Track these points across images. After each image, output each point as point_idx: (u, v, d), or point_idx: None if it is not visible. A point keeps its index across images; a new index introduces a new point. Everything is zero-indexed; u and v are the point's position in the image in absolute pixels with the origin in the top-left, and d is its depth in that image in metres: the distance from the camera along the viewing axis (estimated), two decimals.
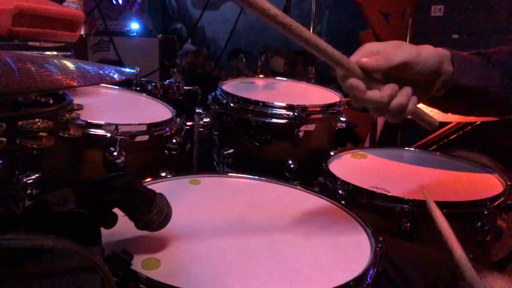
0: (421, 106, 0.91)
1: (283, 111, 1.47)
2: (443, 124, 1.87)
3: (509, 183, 1.27)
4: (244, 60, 5.57)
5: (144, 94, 1.61)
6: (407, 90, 0.83)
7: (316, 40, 0.75)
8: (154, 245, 0.83)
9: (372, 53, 0.82)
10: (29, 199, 1.07)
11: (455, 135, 1.99)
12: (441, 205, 1.14)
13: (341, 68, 0.79)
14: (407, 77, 0.84)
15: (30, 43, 1.37)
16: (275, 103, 1.49)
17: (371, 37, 3.82)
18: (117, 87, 1.62)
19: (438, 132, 2.11)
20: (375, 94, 0.80)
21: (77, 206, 0.67)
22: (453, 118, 1.36)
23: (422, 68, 0.83)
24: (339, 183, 1.25)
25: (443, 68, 0.86)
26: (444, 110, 0.99)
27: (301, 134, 1.47)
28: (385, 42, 0.85)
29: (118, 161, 1.20)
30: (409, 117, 0.89)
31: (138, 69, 1.65)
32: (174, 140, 1.34)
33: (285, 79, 1.96)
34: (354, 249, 0.88)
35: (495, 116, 1.16)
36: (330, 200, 1.08)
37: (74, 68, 0.74)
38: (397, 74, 0.82)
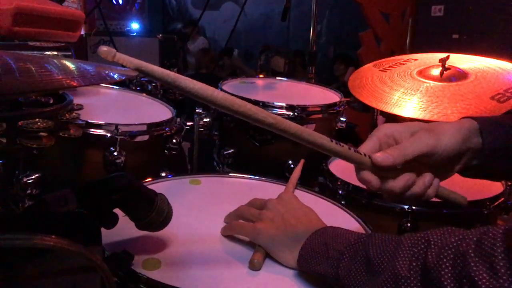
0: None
1: (283, 111, 1.47)
2: None
3: (509, 183, 1.27)
4: (236, 55, 5.51)
5: (144, 94, 1.61)
6: (425, 179, 0.77)
7: (326, 143, 0.71)
8: (154, 246, 0.83)
9: (387, 136, 0.78)
10: (29, 199, 1.07)
11: None
12: (442, 205, 1.14)
13: (353, 163, 0.75)
14: (427, 162, 0.77)
15: (30, 43, 1.37)
16: (275, 103, 1.49)
17: (371, 37, 3.82)
18: (117, 87, 1.62)
19: None
20: (389, 185, 0.75)
21: (78, 206, 0.67)
22: (453, 118, 1.35)
23: (442, 155, 0.76)
24: (339, 183, 1.25)
25: (469, 144, 0.78)
26: (489, 177, 0.91)
27: None
28: (403, 125, 0.78)
29: (118, 161, 1.20)
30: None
31: None
32: (174, 140, 1.35)
33: (285, 79, 1.96)
34: None
35: None
36: (330, 200, 1.08)
37: (74, 68, 0.74)
38: (415, 161, 0.76)
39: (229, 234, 0.90)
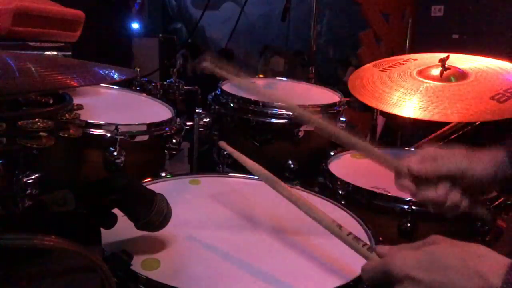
0: None
1: (283, 111, 1.47)
2: (443, 124, 1.87)
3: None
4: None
5: (144, 94, 1.60)
6: (452, 196, 0.85)
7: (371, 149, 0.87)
8: (153, 246, 0.83)
9: (431, 157, 0.86)
10: (29, 199, 1.06)
11: (455, 135, 1.99)
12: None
13: (390, 169, 0.88)
14: (460, 183, 0.86)
15: (30, 43, 1.37)
16: (275, 103, 1.49)
17: (371, 37, 3.81)
18: (117, 87, 1.62)
19: (438, 132, 2.10)
20: (423, 192, 0.86)
21: (77, 206, 0.67)
22: (453, 118, 1.36)
23: (473, 179, 0.84)
24: (339, 183, 1.25)
25: (501, 174, 0.86)
26: None
27: (301, 134, 1.47)
28: (448, 150, 0.87)
29: (118, 161, 1.20)
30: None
31: (138, 69, 1.65)
32: (174, 140, 1.34)
33: (285, 79, 1.95)
34: None
35: None
36: (330, 200, 1.08)
37: (74, 68, 0.74)
38: (448, 179, 0.85)
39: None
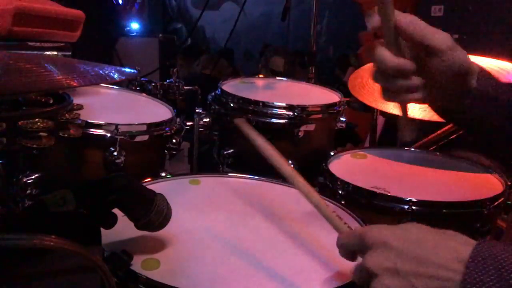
0: None
1: (283, 111, 1.47)
2: (443, 124, 1.87)
3: (509, 183, 1.27)
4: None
5: (144, 94, 1.61)
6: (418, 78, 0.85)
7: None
8: (153, 246, 0.83)
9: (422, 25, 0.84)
10: (29, 199, 1.07)
11: (455, 135, 1.99)
12: (441, 205, 1.14)
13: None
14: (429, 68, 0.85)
15: (30, 43, 1.37)
16: (275, 103, 1.49)
17: (371, 37, 3.82)
18: (117, 87, 1.62)
19: (438, 132, 2.11)
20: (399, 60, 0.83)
21: (77, 206, 0.67)
22: None
23: (445, 63, 0.84)
24: (339, 183, 1.25)
25: (469, 80, 0.88)
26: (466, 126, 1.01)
27: (301, 134, 1.47)
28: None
29: (118, 161, 1.20)
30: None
31: (138, 69, 1.65)
32: (174, 140, 1.35)
33: (285, 79, 1.95)
34: None
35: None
36: (330, 200, 1.08)
37: (74, 68, 0.74)
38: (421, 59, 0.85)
39: None
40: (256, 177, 1.19)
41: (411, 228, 0.66)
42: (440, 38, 0.84)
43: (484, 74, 0.91)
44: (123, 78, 0.81)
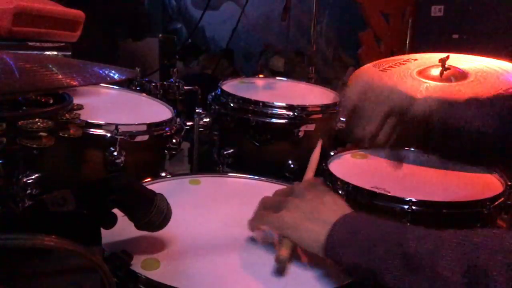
0: None
1: (283, 111, 1.47)
2: None
3: (509, 183, 1.27)
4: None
5: (144, 94, 1.60)
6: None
7: None
8: (153, 246, 0.83)
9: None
10: (29, 199, 1.07)
11: None
12: (441, 205, 1.14)
13: None
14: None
15: (30, 43, 1.37)
16: (275, 103, 1.49)
17: (371, 37, 3.81)
18: (117, 87, 1.62)
19: None
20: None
21: (77, 206, 0.67)
22: None
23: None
24: (339, 183, 1.25)
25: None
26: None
27: (301, 134, 1.47)
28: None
29: (118, 161, 1.20)
30: None
31: (138, 69, 1.65)
32: (174, 140, 1.34)
33: (285, 79, 1.96)
34: None
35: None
36: None
37: (74, 68, 0.74)
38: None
39: (255, 227, 0.87)
40: (256, 177, 1.19)
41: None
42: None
43: None
44: (123, 78, 0.81)
